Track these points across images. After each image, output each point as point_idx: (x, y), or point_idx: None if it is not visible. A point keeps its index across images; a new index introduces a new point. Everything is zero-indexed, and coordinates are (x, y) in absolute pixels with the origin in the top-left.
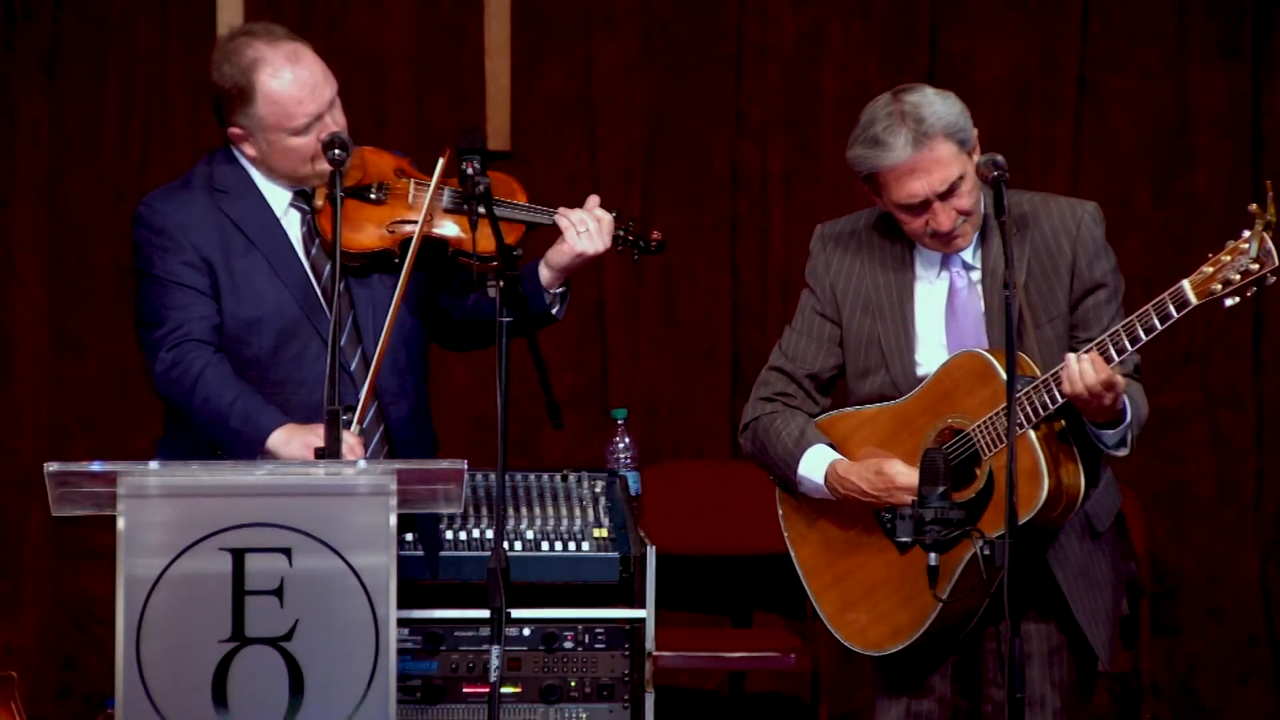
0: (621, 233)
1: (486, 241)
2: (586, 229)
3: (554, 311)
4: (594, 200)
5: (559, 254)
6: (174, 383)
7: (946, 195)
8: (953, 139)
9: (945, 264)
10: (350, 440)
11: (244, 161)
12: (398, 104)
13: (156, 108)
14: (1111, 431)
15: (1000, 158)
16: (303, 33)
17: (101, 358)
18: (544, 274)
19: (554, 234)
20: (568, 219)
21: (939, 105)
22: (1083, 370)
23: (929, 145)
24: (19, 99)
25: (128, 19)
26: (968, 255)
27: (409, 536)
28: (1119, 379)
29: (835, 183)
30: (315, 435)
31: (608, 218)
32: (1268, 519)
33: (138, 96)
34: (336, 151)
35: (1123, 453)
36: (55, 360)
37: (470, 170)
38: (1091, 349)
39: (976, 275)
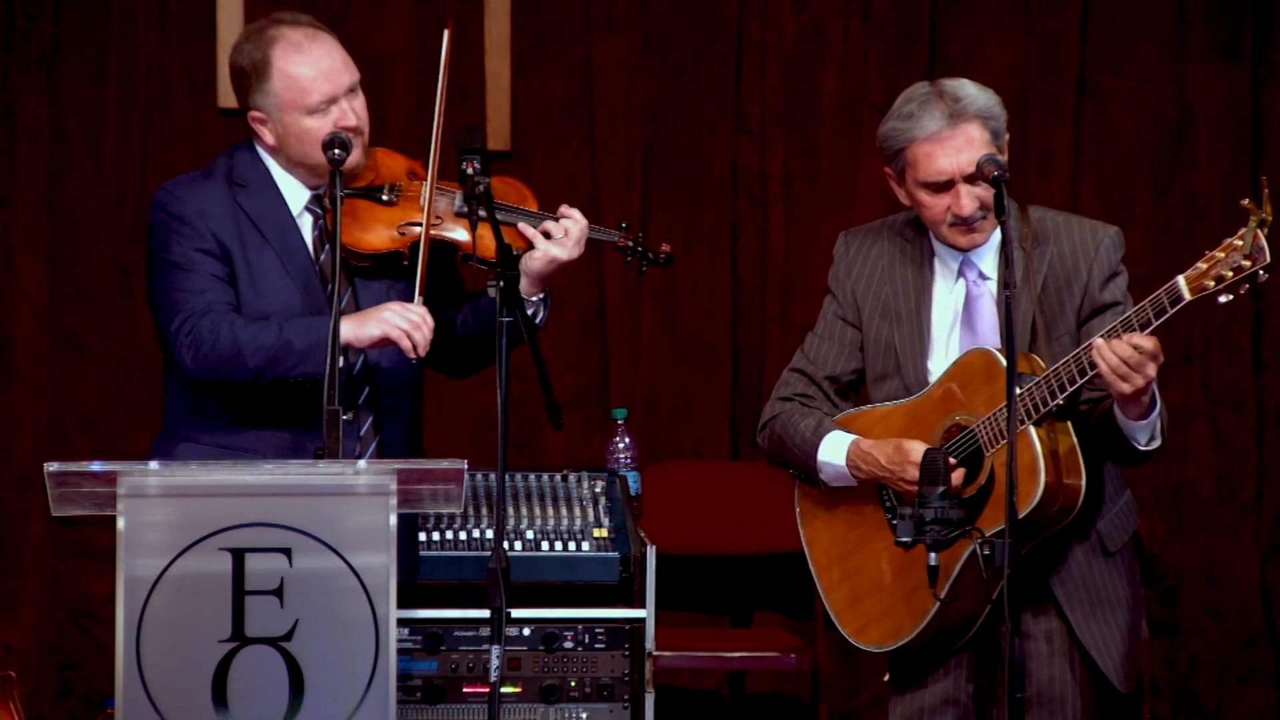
0: (630, 244)
1: (479, 248)
2: (566, 234)
3: (537, 319)
4: (564, 208)
5: (533, 261)
6: (210, 357)
7: (972, 180)
8: (986, 125)
9: (962, 271)
10: (419, 310)
11: (264, 156)
12: (398, 104)
13: (156, 108)
14: (1144, 423)
15: (1001, 157)
16: None
17: (101, 358)
18: (520, 284)
19: None
20: (546, 225)
21: (975, 90)
22: (1114, 346)
23: (962, 123)
24: (19, 99)
25: (128, 19)
26: (984, 264)
27: None
28: (1152, 345)
29: (835, 182)
30: (387, 310)
31: (581, 224)
32: (1268, 519)
33: (138, 96)
34: (336, 151)
35: (1155, 445)
36: (55, 360)
37: (470, 170)
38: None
39: (992, 284)
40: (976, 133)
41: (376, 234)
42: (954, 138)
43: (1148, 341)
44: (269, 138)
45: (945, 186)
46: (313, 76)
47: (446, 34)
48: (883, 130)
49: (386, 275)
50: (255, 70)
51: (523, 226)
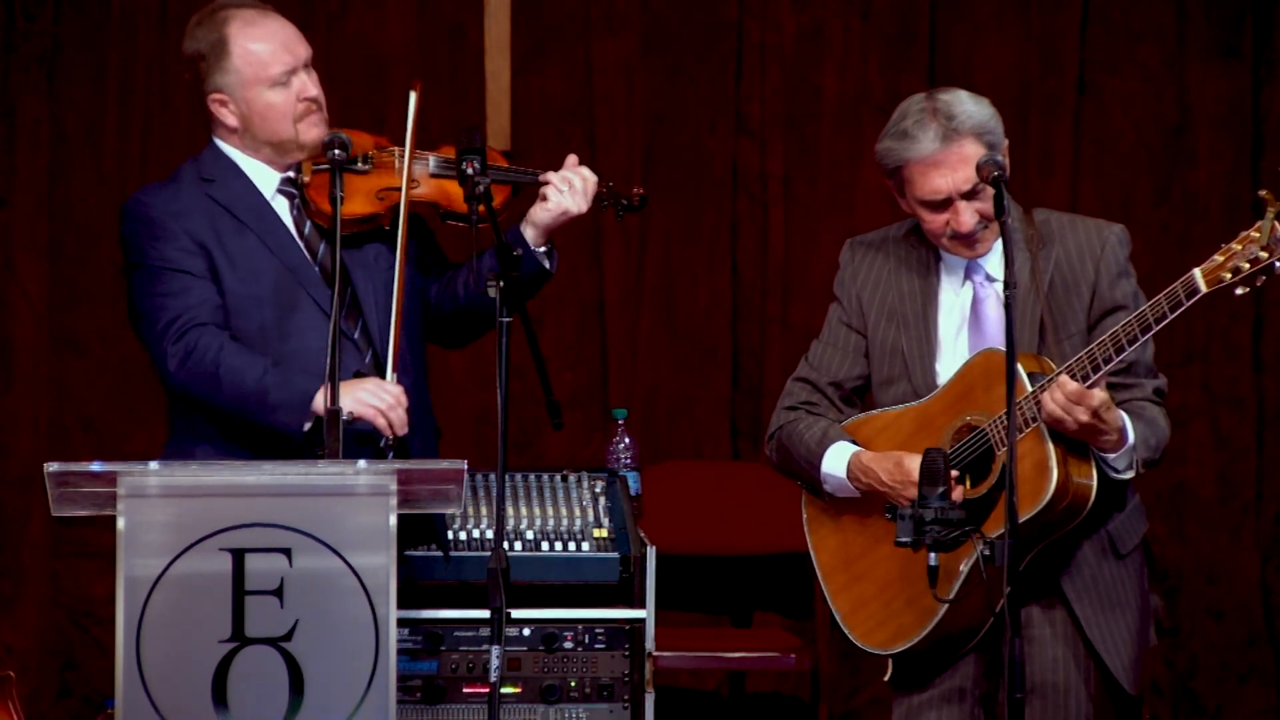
0: (603, 190)
1: (459, 206)
2: (570, 187)
3: (547, 266)
4: (572, 159)
5: (543, 212)
6: (193, 372)
7: (970, 196)
8: (981, 140)
9: (969, 274)
10: (394, 390)
11: (227, 149)
12: (398, 104)
13: (156, 108)
14: (1114, 455)
15: (1000, 157)
16: (303, 32)
17: (101, 358)
18: (528, 234)
19: (535, 196)
20: (550, 177)
21: (970, 105)
22: (1051, 394)
23: (957, 141)
24: (19, 99)
25: (128, 19)
26: (991, 266)
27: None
28: (1095, 395)
29: (835, 183)
30: (362, 389)
31: (591, 177)
32: (1268, 519)
33: (137, 96)
34: (337, 151)
35: (1128, 475)
36: (55, 360)
37: (470, 170)
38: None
39: (999, 286)
40: (972, 150)
41: (356, 201)
42: (949, 158)
43: (1070, 386)
44: (231, 119)
45: (943, 204)
46: (272, 49)
47: (414, 95)
48: (880, 147)
49: (372, 242)
50: (213, 50)
51: (542, 177)
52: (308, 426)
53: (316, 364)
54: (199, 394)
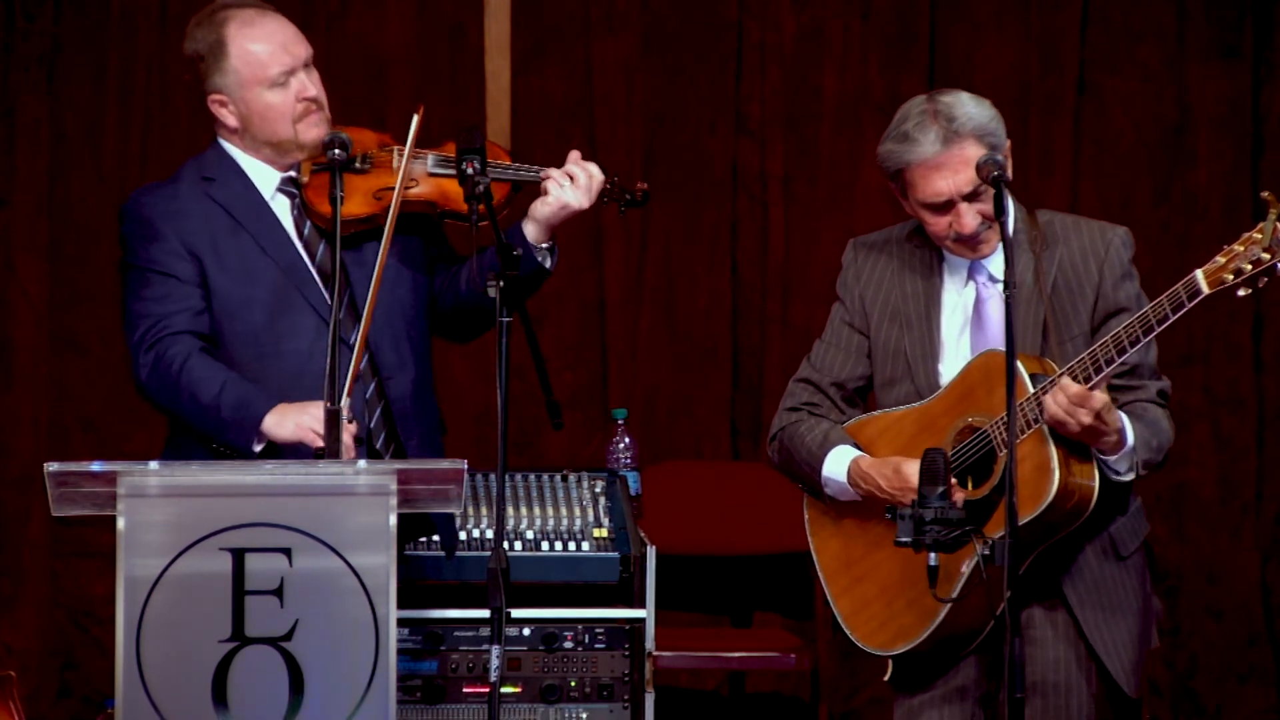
0: (607, 186)
1: (457, 205)
2: (573, 181)
3: (546, 265)
4: (575, 155)
5: (543, 207)
6: (161, 380)
7: (971, 198)
8: (982, 141)
9: (972, 275)
10: (346, 438)
11: (229, 148)
12: (397, 104)
13: (156, 108)
14: (1114, 458)
15: (1000, 157)
16: (303, 32)
17: (101, 358)
18: (530, 230)
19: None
20: (551, 173)
21: (971, 107)
22: (1054, 396)
23: (958, 144)
24: (19, 99)
25: (128, 19)
26: (994, 267)
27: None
28: (1097, 397)
29: (835, 183)
30: (307, 414)
31: (597, 174)
32: (1268, 519)
33: (137, 96)
34: (337, 151)
35: (1129, 478)
36: (55, 360)
37: (470, 170)
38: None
39: (1002, 286)
40: (973, 151)
41: (354, 201)
42: (950, 160)
43: (1073, 388)
44: (231, 120)
45: (946, 207)
46: (270, 49)
47: (416, 118)
48: (881, 150)
49: (370, 242)
50: (211, 52)
51: (549, 173)
52: (259, 448)
53: (312, 365)
54: (163, 404)
